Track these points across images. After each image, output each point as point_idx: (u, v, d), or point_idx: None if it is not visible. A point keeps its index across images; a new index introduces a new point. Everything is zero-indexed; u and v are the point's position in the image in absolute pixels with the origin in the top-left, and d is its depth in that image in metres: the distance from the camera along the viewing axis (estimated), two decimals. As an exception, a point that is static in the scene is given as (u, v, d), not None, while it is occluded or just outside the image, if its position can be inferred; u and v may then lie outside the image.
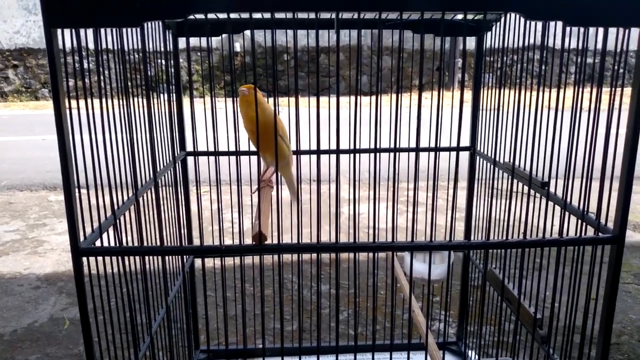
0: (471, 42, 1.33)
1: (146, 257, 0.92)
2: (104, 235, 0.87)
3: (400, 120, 0.94)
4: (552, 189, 1.02)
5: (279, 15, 1.14)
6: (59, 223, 2.98)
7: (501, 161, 1.23)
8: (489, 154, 1.29)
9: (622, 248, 0.88)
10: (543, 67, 0.84)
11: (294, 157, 1.33)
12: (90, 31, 0.76)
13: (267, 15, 0.91)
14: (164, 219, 1.13)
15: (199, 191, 1.21)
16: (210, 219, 1.29)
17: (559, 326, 1.01)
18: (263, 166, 1.30)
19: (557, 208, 0.98)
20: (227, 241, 2.66)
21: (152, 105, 1.02)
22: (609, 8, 0.73)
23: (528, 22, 0.93)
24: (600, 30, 0.79)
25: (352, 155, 0.95)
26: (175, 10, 0.71)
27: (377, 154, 0.87)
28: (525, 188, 1.02)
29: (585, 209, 0.93)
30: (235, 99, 1.08)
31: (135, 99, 0.97)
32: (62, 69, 0.74)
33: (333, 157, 0.91)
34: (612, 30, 0.78)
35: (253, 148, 1.27)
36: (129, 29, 0.87)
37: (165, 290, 1.10)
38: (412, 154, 1.28)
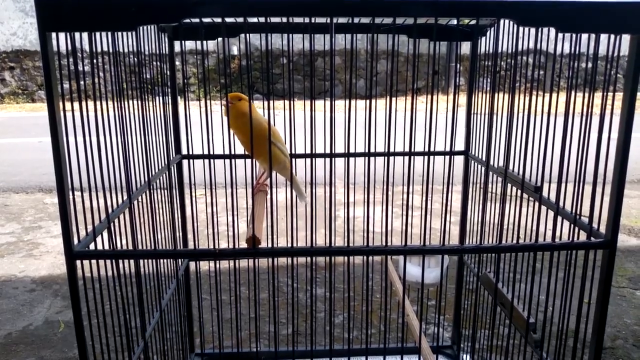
0: (467, 47, 1.33)
1: (140, 261, 0.92)
2: (99, 239, 0.87)
3: (395, 124, 0.94)
4: (545, 193, 1.02)
5: (274, 19, 1.14)
6: (55, 226, 2.97)
7: (495, 165, 1.23)
8: (483, 158, 1.29)
9: (614, 252, 0.89)
10: (536, 72, 0.85)
11: (289, 158, 1.34)
12: (85, 34, 0.76)
13: (263, 19, 0.92)
14: (159, 223, 1.13)
15: (193, 194, 1.21)
16: (206, 222, 1.30)
17: (552, 330, 1.02)
18: (258, 170, 1.31)
19: (550, 212, 0.98)
20: (222, 244, 2.66)
21: (146, 108, 1.03)
22: (600, 15, 0.74)
23: (521, 28, 0.93)
24: (593, 36, 0.79)
25: (346, 158, 0.95)
26: (170, 15, 0.71)
27: (372, 158, 0.88)
28: (519, 192, 1.03)
29: (578, 214, 0.93)
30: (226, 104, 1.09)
31: (131, 102, 0.97)
32: (56, 72, 0.74)
33: (328, 160, 0.91)
34: (604, 36, 0.79)
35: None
36: (125, 33, 0.88)
37: (159, 294, 1.10)
38: (407, 157, 1.28)
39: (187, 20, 1.14)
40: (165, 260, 1.23)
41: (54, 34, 0.73)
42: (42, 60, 0.72)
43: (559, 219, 0.95)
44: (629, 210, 3.17)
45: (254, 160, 1.17)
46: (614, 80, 0.86)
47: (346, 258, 0.90)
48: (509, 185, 1.08)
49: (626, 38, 0.80)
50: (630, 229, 2.87)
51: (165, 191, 1.22)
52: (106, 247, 0.86)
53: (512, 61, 0.94)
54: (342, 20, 1.15)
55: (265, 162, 1.20)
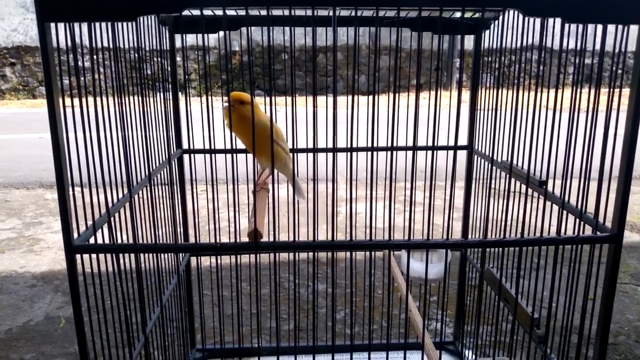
0: (470, 43, 1.32)
1: (141, 255, 0.91)
2: (99, 236, 0.86)
3: (398, 119, 0.93)
4: (550, 188, 1.01)
5: (276, 12, 1.13)
6: (55, 221, 2.96)
7: (499, 160, 1.22)
8: (487, 153, 1.28)
9: (620, 247, 0.88)
10: (541, 68, 0.84)
11: (291, 155, 1.33)
12: (85, 29, 0.75)
13: (264, 12, 0.91)
14: (160, 217, 1.13)
15: (194, 189, 1.20)
16: (207, 218, 1.29)
17: (556, 326, 1.01)
18: (258, 169, 1.30)
19: (555, 207, 0.97)
20: (224, 240, 2.65)
21: (147, 102, 1.02)
22: (608, 5, 0.72)
23: (526, 21, 0.92)
24: (599, 29, 0.78)
25: (349, 153, 0.94)
26: (170, 5, 0.70)
27: (375, 153, 0.87)
28: (523, 187, 1.02)
29: (583, 208, 0.92)
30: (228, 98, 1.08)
31: (131, 97, 0.96)
32: (55, 64, 0.73)
33: (330, 155, 0.90)
34: (611, 30, 0.78)
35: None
36: (125, 26, 0.87)
37: (160, 289, 1.10)
38: (410, 153, 1.27)
39: (188, 13, 1.13)
40: (166, 256, 1.23)
41: (53, 27, 0.72)
42: (40, 52, 0.71)
43: (564, 213, 0.94)
44: (632, 207, 3.16)
45: (254, 157, 1.16)
46: (621, 76, 0.85)
47: (348, 254, 0.90)
48: (514, 180, 1.07)
49: (632, 36, 0.79)
50: (633, 225, 2.86)
51: (166, 186, 1.21)
52: (106, 242, 0.85)
53: (516, 56, 0.93)
54: (344, 13, 1.14)
55: (267, 161, 1.18)
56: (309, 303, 1.98)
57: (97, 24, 0.76)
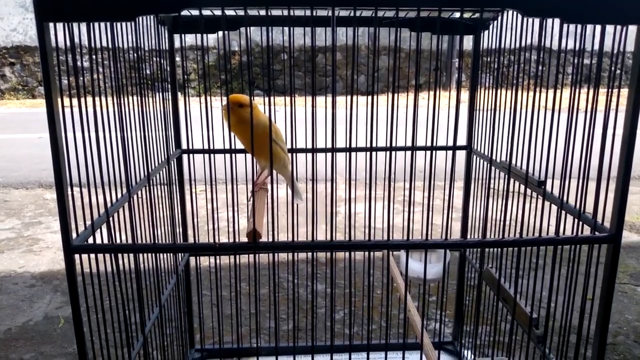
0: (469, 43, 1.32)
1: (140, 255, 0.91)
2: (98, 236, 0.86)
3: (397, 119, 0.94)
4: (548, 188, 1.01)
5: (275, 12, 1.13)
6: (55, 221, 2.96)
7: (498, 160, 1.22)
8: (486, 153, 1.29)
9: (619, 247, 0.88)
10: (540, 68, 0.84)
11: (290, 155, 1.33)
12: (84, 29, 0.75)
13: (263, 12, 0.91)
14: (159, 217, 1.13)
15: (193, 189, 1.20)
16: (206, 218, 1.29)
17: (555, 326, 1.01)
18: (257, 169, 1.30)
19: (554, 207, 0.98)
20: (223, 240, 2.65)
21: (146, 102, 1.02)
22: (607, 5, 0.72)
23: (525, 21, 0.92)
24: (598, 29, 0.78)
25: (348, 154, 0.94)
26: (169, 5, 0.70)
27: (374, 153, 0.87)
28: (522, 187, 1.02)
29: (582, 209, 0.92)
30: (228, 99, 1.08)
31: (130, 98, 0.96)
32: (54, 64, 0.73)
33: (329, 155, 0.90)
34: (609, 31, 0.78)
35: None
36: (124, 26, 0.87)
37: (159, 289, 1.10)
38: (409, 153, 1.27)
39: (187, 13, 1.13)
40: (165, 256, 1.23)
41: (52, 27, 0.72)
42: (39, 52, 0.71)
43: (563, 214, 0.94)
44: (630, 207, 3.16)
45: (253, 158, 1.16)
46: (620, 76, 0.85)
47: (347, 254, 0.90)
48: (512, 180, 1.07)
49: (631, 36, 0.79)
50: (632, 225, 2.86)
51: (165, 186, 1.21)
52: (105, 242, 0.85)
53: (515, 56, 0.93)
54: (343, 13, 1.14)
55: (266, 161, 1.19)
56: (308, 303, 1.98)
57: (96, 24, 0.77)
